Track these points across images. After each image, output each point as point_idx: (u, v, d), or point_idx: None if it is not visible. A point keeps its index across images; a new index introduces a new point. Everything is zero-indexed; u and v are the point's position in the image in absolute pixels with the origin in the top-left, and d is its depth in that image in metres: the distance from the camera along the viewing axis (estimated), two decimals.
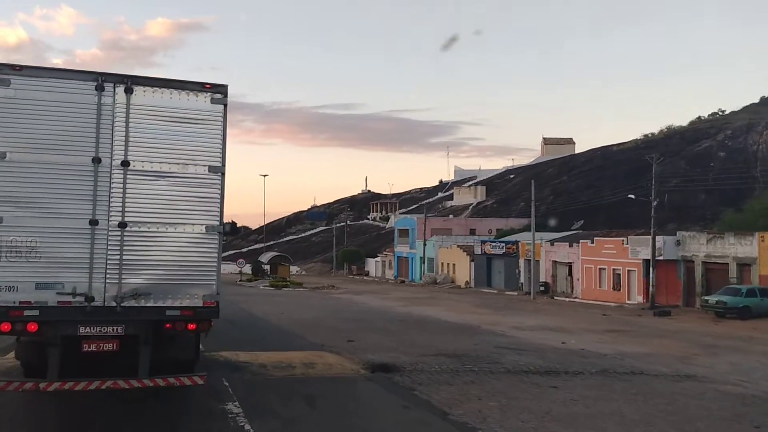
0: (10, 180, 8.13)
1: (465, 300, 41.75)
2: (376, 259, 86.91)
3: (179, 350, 9.32)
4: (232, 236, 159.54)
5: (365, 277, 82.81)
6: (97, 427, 8.87)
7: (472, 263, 60.55)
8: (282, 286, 55.47)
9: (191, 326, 8.87)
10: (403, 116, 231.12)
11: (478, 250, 59.54)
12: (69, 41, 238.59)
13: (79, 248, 8.28)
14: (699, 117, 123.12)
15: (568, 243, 48.29)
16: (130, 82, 8.62)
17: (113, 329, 8.43)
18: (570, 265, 47.72)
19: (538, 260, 49.73)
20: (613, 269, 43.27)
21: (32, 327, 8.17)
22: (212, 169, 8.77)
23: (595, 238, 45.90)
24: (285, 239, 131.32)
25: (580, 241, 46.90)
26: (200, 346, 11.05)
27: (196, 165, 8.71)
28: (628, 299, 41.53)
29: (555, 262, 49.37)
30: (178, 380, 8.68)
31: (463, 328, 24.14)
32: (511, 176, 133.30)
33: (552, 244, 49.81)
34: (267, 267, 66.01)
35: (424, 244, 67.31)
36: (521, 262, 52.97)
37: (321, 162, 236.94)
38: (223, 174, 8.85)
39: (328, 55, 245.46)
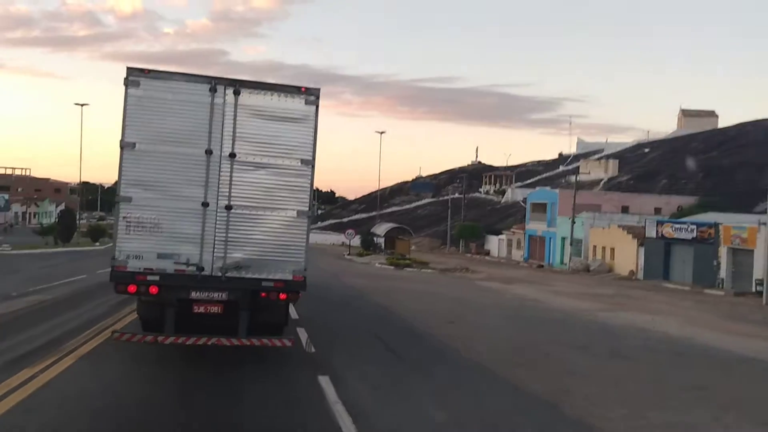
0: (139, 166, 9.22)
1: (680, 303, 29.19)
2: (501, 236, 74.74)
3: (272, 316, 10.21)
4: (330, 206, 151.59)
5: (486, 257, 71.12)
6: None
7: (641, 248, 47.70)
8: (403, 265, 44.59)
9: (282, 296, 9.69)
10: (503, 91, 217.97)
11: (651, 233, 46.60)
12: (181, 11, 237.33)
13: (193, 226, 9.36)
14: None
15: None
16: (238, 86, 9.51)
17: (219, 295, 9.47)
18: None
19: (744, 248, 36.85)
20: None
21: (153, 290, 9.30)
22: (304, 161, 9.61)
23: None
24: (388, 210, 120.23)
25: None
26: None
27: (291, 158, 9.56)
28: None
29: None
30: (270, 341, 9.60)
31: None
32: (646, 150, 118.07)
33: None
34: (381, 240, 55.03)
35: (573, 222, 54.69)
36: (723, 250, 39.85)
37: (420, 135, 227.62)
38: (313, 166, 9.64)
39: (427, 28, 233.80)
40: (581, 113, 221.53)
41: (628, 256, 49.24)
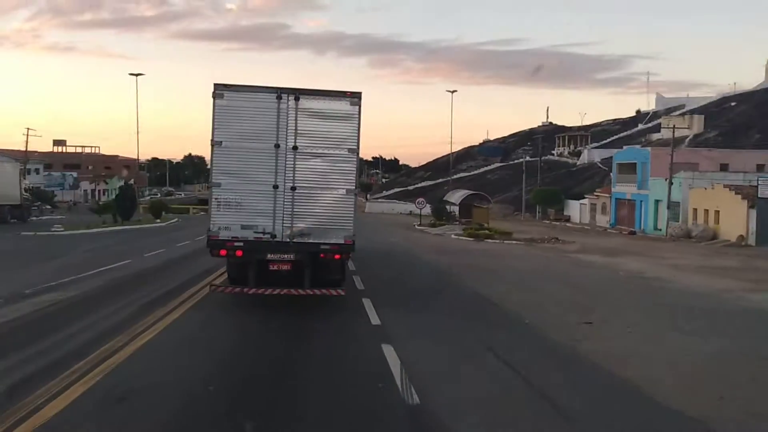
0: (225, 159, 11.88)
1: None
2: (582, 201, 69.18)
3: (330, 273, 12.78)
4: (395, 174, 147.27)
5: (567, 224, 65.86)
6: None
7: (752, 210, 41.92)
8: (483, 236, 40.05)
9: (337, 256, 12.24)
10: (567, 51, 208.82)
11: (765, 193, 40.78)
12: None
13: (267, 203, 11.90)
14: None
15: None
16: (298, 93, 11.92)
17: (288, 256, 12.11)
18: None
19: None
20: None
21: (239, 253, 12.13)
22: (350, 150, 11.99)
23: None
24: (455, 176, 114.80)
25: None
26: None
27: (340, 148, 11.97)
28: None
29: None
30: (329, 291, 12.30)
31: None
32: (732, 104, 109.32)
33: None
34: (455, 208, 50.50)
35: (670, 183, 49.00)
36: None
37: (485, 100, 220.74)
38: (357, 154, 12.05)
39: None
40: (651, 71, 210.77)
41: (736, 220, 43.47)
